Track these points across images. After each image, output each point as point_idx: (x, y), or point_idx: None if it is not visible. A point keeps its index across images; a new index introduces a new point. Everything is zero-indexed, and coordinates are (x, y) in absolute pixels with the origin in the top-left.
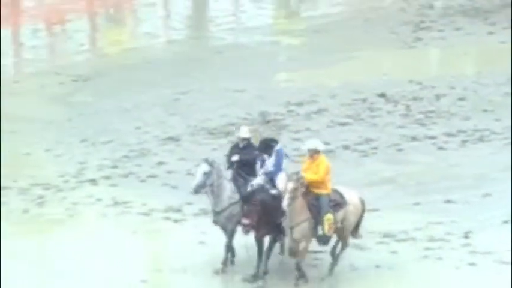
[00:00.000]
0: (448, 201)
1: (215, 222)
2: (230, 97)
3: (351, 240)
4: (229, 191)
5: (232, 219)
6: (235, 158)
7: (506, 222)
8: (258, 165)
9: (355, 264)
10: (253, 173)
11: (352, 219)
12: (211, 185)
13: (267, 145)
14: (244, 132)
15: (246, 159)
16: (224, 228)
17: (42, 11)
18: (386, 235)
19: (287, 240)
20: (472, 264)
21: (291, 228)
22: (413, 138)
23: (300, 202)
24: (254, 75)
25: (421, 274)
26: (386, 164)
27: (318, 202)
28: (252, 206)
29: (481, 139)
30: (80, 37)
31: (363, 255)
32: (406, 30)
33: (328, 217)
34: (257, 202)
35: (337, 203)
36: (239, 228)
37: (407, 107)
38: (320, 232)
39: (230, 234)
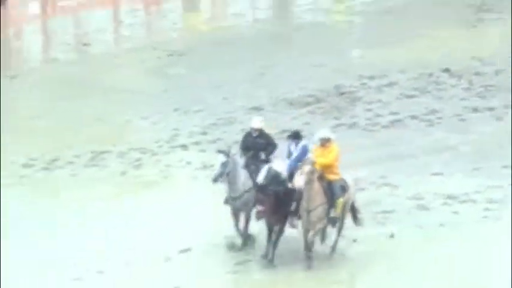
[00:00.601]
0: (505, 167)
1: (232, 207)
2: (309, 71)
3: (417, 202)
4: (243, 177)
5: (248, 204)
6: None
7: None
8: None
9: (421, 223)
10: (264, 161)
11: (350, 200)
12: (228, 173)
13: (294, 137)
14: (256, 122)
15: (259, 147)
16: (239, 212)
17: None
18: (449, 197)
19: (303, 222)
20: None
21: (309, 211)
22: (475, 110)
23: (317, 187)
24: (330, 51)
25: (480, 233)
26: (450, 133)
27: (331, 187)
28: (266, 195)
29: None
30: (174, 16)
31: (428, 215)
32: (469, 12)
33: (340, 201)
34: (271, 192)
35: (343, 187)
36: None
37: (470, 81)
38: (332, 214)
39: (246, 220)
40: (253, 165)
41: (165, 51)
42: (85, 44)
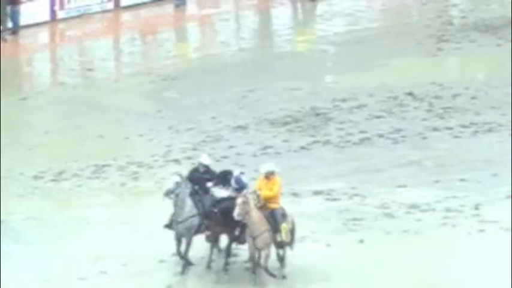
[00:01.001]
0: (462, 180)
1: (176, 231)
2: (287, 94)
3: (384, 210)
4: (189, 205)
5: (191, 230)
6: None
7: (509, 197)
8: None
9: (387, 229)
10: (207, 193)
11: (292, 226)
12: (177, 195)
13: (224, 176)
14: (205, 159)
15: (204, 181)
16: (182, 237)
17: (137, 23)
18: (412, 206)
19: (249, 249)
20: (481, 230)
21: (254, 238)
22: (435, 129)
23: (258, 215)
24: (307, 76)
25: (440, 238)
26: (413, 149)
27: (273, 215)
28: (212, 221)
29: (489, 130)
30: (167, 45)
31: (394, 222)
32: (430, 42)
33: (284, 226)
34: (218, 215)
35: (283, 214)
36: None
37: (430, 103)
38: (279, 239)
39: (187, 243)
40: (197, 195)
41: (160, 76)
42: (89, 70)
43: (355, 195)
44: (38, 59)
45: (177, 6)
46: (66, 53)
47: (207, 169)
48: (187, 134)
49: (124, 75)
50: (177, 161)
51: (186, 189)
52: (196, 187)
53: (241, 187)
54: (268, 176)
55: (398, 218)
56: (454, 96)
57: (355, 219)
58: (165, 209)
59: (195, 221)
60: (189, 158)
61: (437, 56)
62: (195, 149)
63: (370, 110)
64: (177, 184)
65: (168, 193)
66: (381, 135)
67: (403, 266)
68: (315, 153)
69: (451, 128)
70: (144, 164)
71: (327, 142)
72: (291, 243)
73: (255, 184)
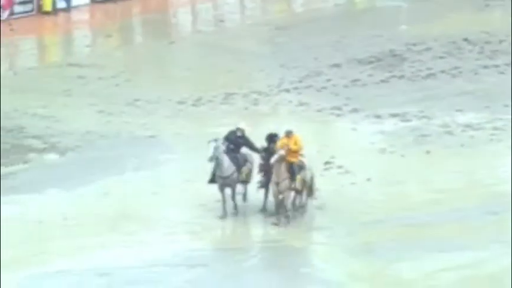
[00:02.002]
0: (505, 106)
1: (221, 183)
2: (371, 40)
3: (445, 129)
4: (227, 162)
5: (234, 182)
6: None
7: None
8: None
9: (447, 144)
10: (238, 152)
11: (309, 176)
12: (217, 158)
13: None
14: (242, 125)
15: (238, 143)
16: (227, 187)
17: None
18: (467, 126)
19: (272, 191)
20: None
21: (278, 183)
22: (485, 67)
23: (284, 166)
24: (386, 26)
25: (488, 150)
26: (468, 82)
27: (292, 167)
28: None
29: None
30: (281, 2)
31: (452, 138)
32: (479, 0)
33: (298, 177)
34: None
35: (301, 167)
36: None
37: (481, 47)
38: (293, 186)
39: (233, 191)
40: (232, 153)
41: (274, 26)
42: (221, 21)
43: (423, 117)
44: (181, 13)
45: None
46: (203, 8)
47: (243, 134)
48: (295, 70)
49: (247, 25)
50: (287, 90)
51: (222, 147)
52: (232, 146)
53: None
54: (288, 134)
55: (456, 134)
56: (500, 41)
57: (423, 135)
58: (282, 126)
59: (235, 174)
60: (296, 88)
61: (485, 11)
62: (300, 82)
63: (434, 52)
64: (215, 148)
65: (211, 159)
66: (442, 71)
67: (459, 170)
68: (392, 85)
69: (497, 66)
70: (262, 93)
71: (401, 77)
72: (304, 191)
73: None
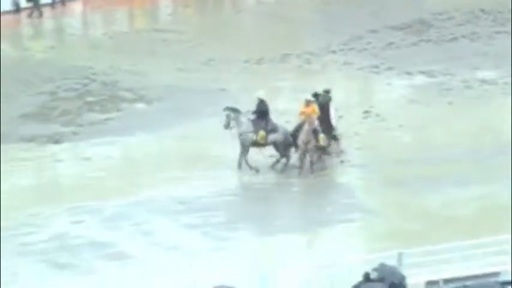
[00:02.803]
0: None
1: (240, 141)
2: (404, 9)
3: (464, 84)
4: (245, 124)
5: (247, 140)
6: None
7: None
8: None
9: (467, 96)
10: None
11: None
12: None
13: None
14: (261, 93)
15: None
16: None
17: None
18: (482, 81)
19: (300, 150)
20: None
21: (305, 143)
22: (497, 32)
23: (310, 129)
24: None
25: (500, 101)
26: (484, 45)
27: (315, 130)
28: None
29: None
30: None
31: (471, 92)
32: None
33: (321, 136)
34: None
35: (318, 130)
36: None
37: (495, 16)
38: (318, 143)
39: (245, 150)
40: (258, 119)
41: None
42: None
43: (447, 74)
44: None
45: None
46: None
47: (263, 101)
48: (340, 35)
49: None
50: (334, 51)
51: (238, 114)
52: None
53: None
54: (308, 103)
55: (474, 88)
56: (509, 11)
57: (446, 89)
58: (325, 82)
59: (250, 135)
60: (341, 50)
61: None
62: (345, 44)
63: (456, 20)
64: (227, 116)
65: (226, 126)
66: (463, 36)
67: (476, 117)
68: (421, 48)
69: (508, 32)
70: (313, 53)
71: (428, 40)
72: (327, 146)
73: (299, 106)
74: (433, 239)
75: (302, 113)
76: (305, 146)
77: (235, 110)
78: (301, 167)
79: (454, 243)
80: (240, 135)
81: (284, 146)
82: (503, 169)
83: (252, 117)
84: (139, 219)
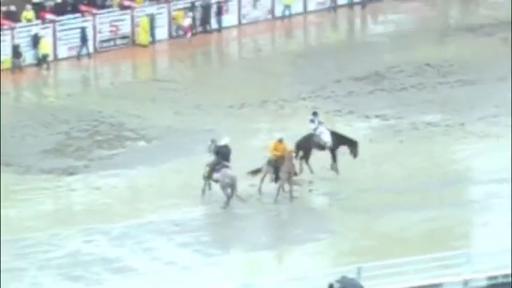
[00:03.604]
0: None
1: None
2: (363, 63)
3: None
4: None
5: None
6: None
7: None
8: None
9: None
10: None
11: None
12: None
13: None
14: (226, 139)
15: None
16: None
17: None
18: None
19: (283, 179)
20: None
21: (289, 172)
22: (440, 83)
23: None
24: (374, 54)
25: None
26: (429, 94)
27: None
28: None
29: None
30: (299, 36)
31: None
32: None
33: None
34: None
35: None
36: None
37: (438, 69)
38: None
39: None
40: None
41: (295, 54)
42: (258, 50)
43: (398, 117)
44: (231, 45)
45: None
46: (246, 41)
47: (226, 146)
48: (309, 85)
49: (276, 53)
50: (304, 98)
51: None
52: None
53: None
54: (280, 140)
55: (421, 129)
56: (450, 65)
57: (398, 130)
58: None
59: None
60: (310, 97)
61: (441, 44)
62: (313, 93)
63: (406, 73)
64: (209, 146)
65: (207, 151)
66: (412, 86)
67: (423, 154)
68: (377, 95)
69: (449, 83)
70: (286, 100)
71: (383, 89)
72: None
73: (270, 144)
74: (387, 255)
75: (275, 149)
76: (288, 176)
77: (213, 141)
78: (278, 195)
79: (405, 258)
80: (206, 166)
81: (223, 185)
82: (446, 197)
83: (215, 156)
84: (140, 238)
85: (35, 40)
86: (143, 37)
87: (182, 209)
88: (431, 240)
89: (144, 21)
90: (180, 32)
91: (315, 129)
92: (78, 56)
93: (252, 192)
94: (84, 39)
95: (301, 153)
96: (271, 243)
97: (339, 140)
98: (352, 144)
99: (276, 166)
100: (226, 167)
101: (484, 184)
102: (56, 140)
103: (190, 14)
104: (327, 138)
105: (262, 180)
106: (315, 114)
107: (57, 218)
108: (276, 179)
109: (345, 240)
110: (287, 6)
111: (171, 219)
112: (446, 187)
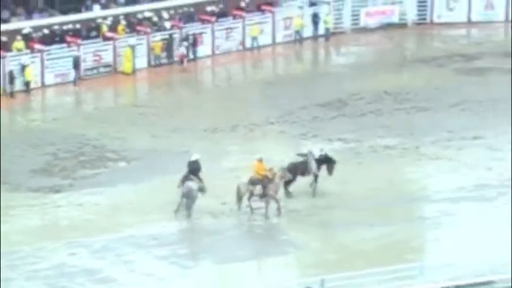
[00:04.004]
0: None
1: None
2: (327, 91)
3: None
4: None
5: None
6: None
7: None
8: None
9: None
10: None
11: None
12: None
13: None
14: (196, 156)
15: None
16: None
17: None
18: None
19: (271, 199)
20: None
21: (276, 192)
22: (397, 109)
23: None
24: (337, 82)
25: None
26: (387, 119)
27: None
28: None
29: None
30: (268, 67)
31: None
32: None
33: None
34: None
35: None
36: None
37: (395, 96)
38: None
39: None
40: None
41: (264, 82)
42: (230, 79)
43: (358, 141)
44: (205, 73)
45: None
46: (219, 70)
47: (196, 161)
48: (277, 110)
49: (247, 81)
50: (272, 123)
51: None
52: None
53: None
54: (260, 160)
55: (379, 152)
56: (407, 92)
57: (358, 153)
58: (265, 147)
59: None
60: (278, 122)
61: (398, 74)
62: (280, 117)
63: (366, 100)
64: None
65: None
66: (371, 112)
67: (381, 174)
68: (339, 120)
69: (405, 109)
70: (256, 124)
71: (344, 115)
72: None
73: (255, 164)
74: (349, 267)
75: (260, 169)
76: (275, 194)
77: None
78: (268, 210)
79: (365, 270)
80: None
81: (182, 195)
82: (402, 214)
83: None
84: (121, 251)
85: (22, 68)
86: (127, 66)
87: (159, 224)
88: (389, 254)
89: (127, 52)
90: (176, 59)
91: (309, 159)
92: (74, 82)
93: (223, 210)
94: (76, 66)
95: (289, 176)
96: (242, 256)
97: (321, 161)
98: (331, 163)
99: (263, 185)
100: (190, 179)
101: (436, 202)
102: (43, 160)
103: (185, 43)
104: (314, 167)
105: (249, 198)
106: (321, 150)
107: (44, 233)
108: (263, 196)
109: (309, 254)
110: (254, 38)
111: (149, 233)
112: (402, 205)
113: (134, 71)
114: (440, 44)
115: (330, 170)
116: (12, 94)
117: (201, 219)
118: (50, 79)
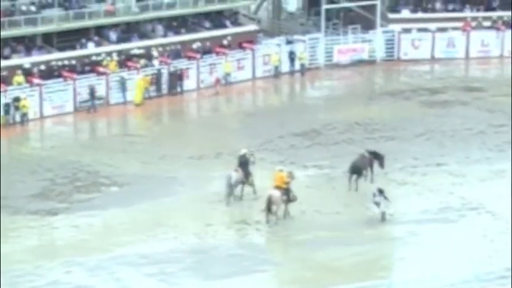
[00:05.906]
0: None
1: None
2: (302, 121)
3: None
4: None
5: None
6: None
7: None
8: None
9: None
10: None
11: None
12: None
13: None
14: (244, 150)
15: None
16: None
17: None
18: None
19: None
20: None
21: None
22: (367, 138)
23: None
24: (311, 113)
25: None
26: (357, 148)
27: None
28: None
29: None
30: (249, 99)
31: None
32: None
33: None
34: None
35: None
36: None
37: (365, 127)
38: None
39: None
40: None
41: (245, 113)
42: (215, 110)
43: (331, 167)
44: (191, 106)
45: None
46: (205, 101)
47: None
48: (256, 139)
49: (229, 112)
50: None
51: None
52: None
53: None
54: (281, 171)
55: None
56: (376, 123)
57: (331, 178)
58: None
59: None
60: (257, 150)
61: (368, 106)
62: (260, 146)
63: (338, 130)
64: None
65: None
66: (343, 141)
67: (353, 197)
68: (313, 149)
69: (375, 138)
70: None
71: (319, 144)
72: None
73: (274, 175)
74: (324, 284)
75: (282, 179)
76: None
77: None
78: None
79: (339, 286)
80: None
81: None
82: (371, 235)
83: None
84: (112, 269)
85: (18, 100)
86: (138, 97)
87: (149, 244)
88: (360, 271)
89: (140, 83)
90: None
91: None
92: (90, 109)
93: (207, 231)
94: (92, 94)
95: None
96: (224, 274)
97: (373, 156)
98: (380, 158)
99: (288, 191)
100: (235, 170)
101: (404, 224)
102: (42, 185)
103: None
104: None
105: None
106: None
107: (41, 252)
108: (287, 201)
109: (287, 271)
110: (227, 74)
111: (139, 252)
112: (372, 226)
113: (124, 102)
114: (406, 79)
115: (382, 164)
116: (12, 124)
117: (189, 239)
118: (47, 110)
